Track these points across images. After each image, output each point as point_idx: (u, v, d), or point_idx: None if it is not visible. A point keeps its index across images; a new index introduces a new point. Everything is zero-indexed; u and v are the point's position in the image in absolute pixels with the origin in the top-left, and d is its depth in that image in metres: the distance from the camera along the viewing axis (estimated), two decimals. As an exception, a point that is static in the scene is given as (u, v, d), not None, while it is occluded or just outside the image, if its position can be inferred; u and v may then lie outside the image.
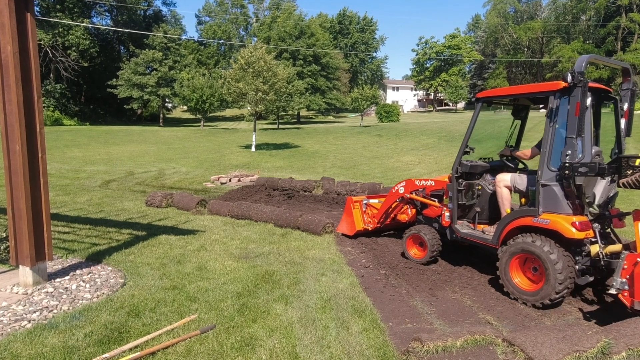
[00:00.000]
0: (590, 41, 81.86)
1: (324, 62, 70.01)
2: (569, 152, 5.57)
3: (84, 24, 59.21)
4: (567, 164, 5.56)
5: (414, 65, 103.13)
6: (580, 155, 5.60)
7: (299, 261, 7.41)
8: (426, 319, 5.37)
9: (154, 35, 64.94)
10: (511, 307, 5.77)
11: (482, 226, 7.18)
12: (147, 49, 63.88)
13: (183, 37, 78.10)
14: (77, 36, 58.61)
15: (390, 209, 8.85)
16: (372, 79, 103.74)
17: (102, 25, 70.22)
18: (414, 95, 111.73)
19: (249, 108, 32.66)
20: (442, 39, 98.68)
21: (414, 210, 8.64)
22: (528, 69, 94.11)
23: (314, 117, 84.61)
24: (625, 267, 4.95)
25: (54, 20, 54.81)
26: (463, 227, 7.20)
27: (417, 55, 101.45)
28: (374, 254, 8.01)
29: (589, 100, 5.75)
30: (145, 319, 5.12)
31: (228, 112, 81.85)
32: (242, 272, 6.80)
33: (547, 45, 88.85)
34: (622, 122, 6.41)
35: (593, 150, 5.93)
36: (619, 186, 5.89)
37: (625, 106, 6.35)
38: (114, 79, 62.49)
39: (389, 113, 62.71)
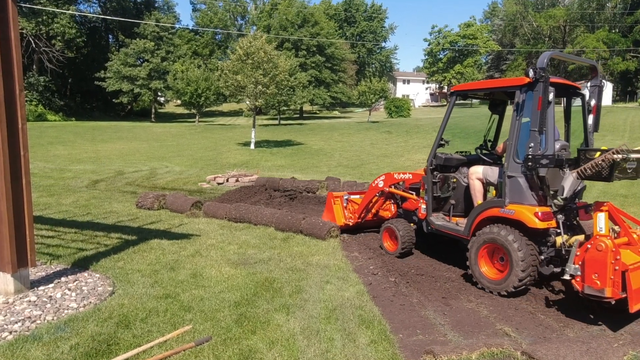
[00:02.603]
0: (617, 30, 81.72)
1: (328, 52, 69.98)
2: (532, 144, 6.22)
3: (69, 12, 59.35)
4: (530, 156, 6.20)
5: (426, 56, 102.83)
6: (543, 148, 6.24)
7: (301, 268, 7.41)
8: (439, 330, 5.36)
9: (145, 24, 65.06)
10: (531, 318, 5.75)
11: (457, 218, 7.73)
12: (137, 39, 64.04)
13: (177, 25, 78.26)
14: (62, 25, 58.68)
15: (371, 204, 9.48)
16: (381, 71, 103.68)
17: (90, 12, 70.44)
18: (426, 88, 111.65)
19: (247, 102, 32.66)
20: (456, 28, 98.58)
21: (396, 207, 9.23)
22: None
23: (318, 112, 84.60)
24: (578, 253, 5.54)
25: (38, 7, 54.96)
26: (438, 220, 7.80)
27: (429, 45, 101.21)
28: (382, 260, 8.00)
29: (551, 95, 6.29)
30: (135, 330, 5.12)
31: (225, 107, 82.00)
32: (241, 279, 6.80)
33: (570, 35, 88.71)
34: (590, 117, 7.15)
35: (559, 144, 6.67)
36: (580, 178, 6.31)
37: (593, 102, 7.09)
38: (102, 71, 62.68)
39: (399, 108, 62.73)
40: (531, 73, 6.25)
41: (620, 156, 5.68)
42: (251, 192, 14.20)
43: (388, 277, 7.15)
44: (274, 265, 7.49)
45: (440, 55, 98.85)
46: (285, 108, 61.86)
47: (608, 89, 65.71)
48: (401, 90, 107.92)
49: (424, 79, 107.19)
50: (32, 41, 57.28)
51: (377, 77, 63.32)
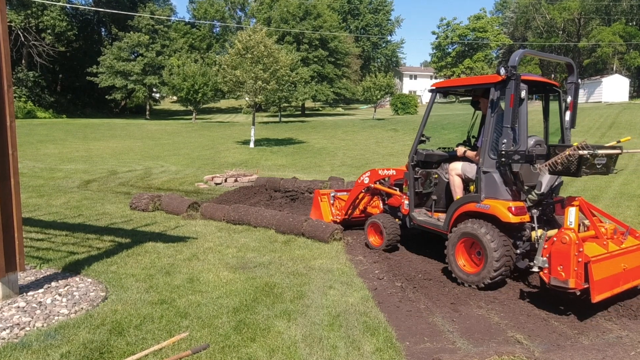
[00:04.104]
0: (634, 23, 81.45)
1: (332, 46, 69.89)
2: (505, 140, 6.70)
3: (60, 3, 59.44)
4: (503, 152, 6.69)
5: (434, 50, 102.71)
6: (516, 144, 6.72)
7: (303, 272, 7.41)
8: (448, 338, 5.36)
9: (140, 16, 65.08)
10: (544, 325, 5.75)
11: (438, 214, 8.25)
12: (131, 32, 64.09)
13: (173, 18, 78.24)
14: (52, 17, 58.85)
15: (358, 200, 9.98)
16: (387, 66, 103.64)
17: (81, 4, 70.53)
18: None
19: (247, 99, 32.71)
20: (465, 21, 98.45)
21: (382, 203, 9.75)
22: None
23: (320, 108, 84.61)
24: (545, 246, 5.99)
25: (27, -1, 55.10)
26: (420, 215, 8.29)
27: (437, 38, 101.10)
28: (388, 264, 8.00)
29: (523, 93, 6.74)
30: (129, 337, 5.12)
31: (223, 104, 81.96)
32: (239, 284, 6.80)
33: (584, 28, 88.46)
34: (567, 114, 7.59)
35: (533, 140, 7.14)
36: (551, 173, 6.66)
37: (569, 99, 7.57)
38: (95, 66, 62.71)
39: (406, 104, 62.64)
40: (502, 71, 6.66)
41: (586, 152, 6.02)
42: (250, 192, 14.20)
43: (394, 282, 7.15)
44: (275, 270, 7.49)
45: (449, 49, 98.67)
46: (286, 105, 61.91)
47: (625, 85, 65.49)
48: (408, 86, 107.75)
49: (432, 74, 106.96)
50: (21, 34, 57.41)
51: (382, 72, 63.18)
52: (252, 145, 30.97)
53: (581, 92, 69.11)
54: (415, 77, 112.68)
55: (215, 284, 6.78)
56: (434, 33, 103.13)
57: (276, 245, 8.91)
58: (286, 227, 9.72)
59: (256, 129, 33.19)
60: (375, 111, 59.22)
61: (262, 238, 9.41)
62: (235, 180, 16.39)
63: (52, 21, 58.72)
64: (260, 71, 29.21)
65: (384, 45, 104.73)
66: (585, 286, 5.65)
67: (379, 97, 54.44)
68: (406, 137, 35.10)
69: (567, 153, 6.12)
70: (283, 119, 58.77)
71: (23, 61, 60.35)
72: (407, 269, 7.76)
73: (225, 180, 16.42)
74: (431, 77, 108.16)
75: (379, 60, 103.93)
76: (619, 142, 6.80)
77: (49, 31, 59.39)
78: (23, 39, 57.88)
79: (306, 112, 74.53)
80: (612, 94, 62.56)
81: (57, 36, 61.00)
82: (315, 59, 68.04)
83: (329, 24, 70.49)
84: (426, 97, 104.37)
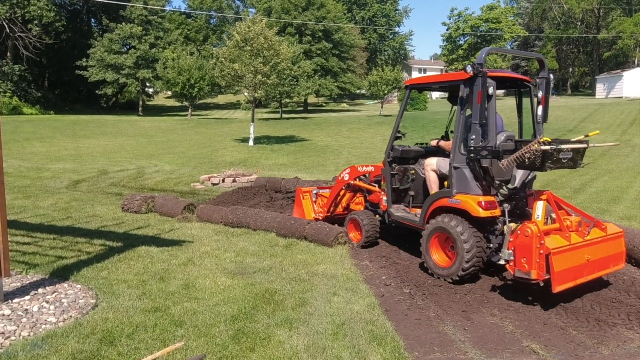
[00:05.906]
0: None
1: (336, 38, 69.83)
2: (474, 136, 7.19)
3: (48, -7, 59.47)
4: (471, 148, 7.18)
5: (445, 42, 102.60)
6: (485, 140, 7.20)
7: (306, 278, 7.41)
8: (459, 348, 5.36)
9: (132, 6, 65.03)
10: (561, 334, 5.74)
11: (416, 209, 8.62)
12: (123, 23, 64.03)
13: (167, 8, 78.29)
14: (39, 7, 58.77)
15: (339, 197, 10.51)
16: (394, 59, 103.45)
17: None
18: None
19: (246, 94, 32.71)
20: (478, 11, 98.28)
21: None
22: (581, 46, 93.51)
23: (324, 104, 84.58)
24: (511, 239, 6.53)
25: (13, -12, 55.13)
26: (398, 211, 8.78)
27: (448, 30, 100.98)
28: (396, 269, 8.00)
29: (491, 89, 7.21)
30: (121, 347, 5.12)
31: (221, 99, 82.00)
32: (238, 291, 6.80)
33: (604, 19, 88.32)
34: (540, 108, 8.02)
35: (503, 135, 7.59)
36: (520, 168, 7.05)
37: (540, 94, 7.99)
38: (84, 59, 62.58)
39: (414, 100, 62.51)
40: (469, 68, 7.14)
41: (548, 147, 6.41)
42: (250, 193, 14.21)
43: (402, 288, 7.15)
44: (275, 275, 7.49)
45: (460, 41, 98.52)
46: (287, 100, 61.83)
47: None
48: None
49: (442, 67, 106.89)
50: (6, 25, 57.41)
51: (390, 66, 62.93)
52: (251, 143, 30.97)
53: (601, 87, 69.36)
54: (425, 70, 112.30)
55: (212, 291, 6.78)
56: (444, 24, 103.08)
57: (277, 250, 8.90)
58: (287, 230, 9.71)
59: (256, 126, 33.20)
60: (382, 107, 59.25)
61: (262, 242, 9.41)
62: (234, 181, 16.39)
63: (39, 11, 58.64)
64: (260, 64, 29.17)
65: (391, 37, 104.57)
66: (547, 277, 6.19)
67: (386, 92, 54.38)
68: (415, 134, 35.05)
69: (533, 147, 6.45)
70: (284, 116, 58.79)
71: (8, 54, 60.39)
72: (415, 275, 7.76)
73: (223, 181, 16.41)
74: (441, 71, 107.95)
75: (386, 52, 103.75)
76: (586, 136, 7.16)
77: (35, 22, 59.28)
78: (8, 31, 57.88)
79: (309, 108, 74.47)
80: (633, 89, 62.44)
81: (45, 27, 60.95)
82: (319, 52, 67.96)
83: (333, 15, 70.37)
84: (436, 93, 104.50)
